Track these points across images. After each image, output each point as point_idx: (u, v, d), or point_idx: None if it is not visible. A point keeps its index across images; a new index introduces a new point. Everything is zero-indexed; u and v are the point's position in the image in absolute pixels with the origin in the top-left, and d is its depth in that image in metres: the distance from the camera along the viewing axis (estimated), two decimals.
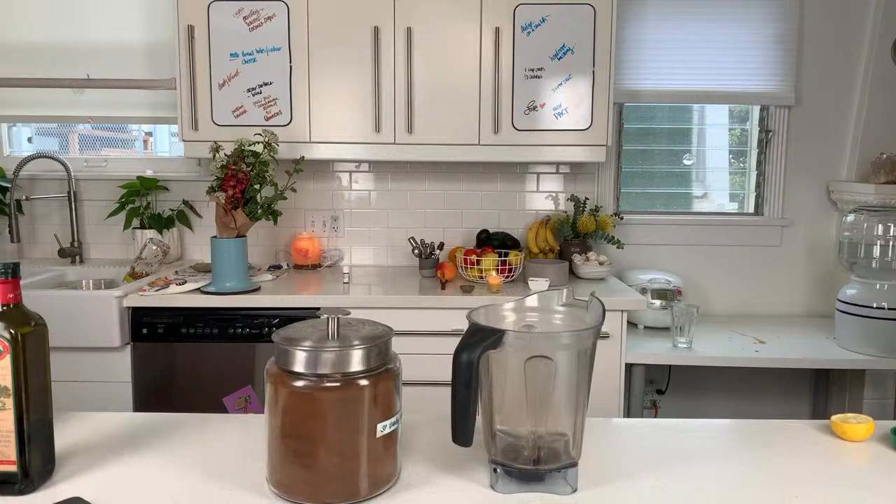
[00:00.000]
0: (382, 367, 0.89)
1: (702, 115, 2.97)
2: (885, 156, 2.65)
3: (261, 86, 2.44)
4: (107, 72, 2.74)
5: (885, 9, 2.70)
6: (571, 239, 2.72)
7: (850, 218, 2.51)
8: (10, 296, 0.88)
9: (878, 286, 2.36)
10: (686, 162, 2.97)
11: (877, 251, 2.42)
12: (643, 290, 2.55)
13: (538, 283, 2.32)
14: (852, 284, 2.44)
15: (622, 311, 2.23)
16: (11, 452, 0.89)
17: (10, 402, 0.87)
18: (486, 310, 1.00)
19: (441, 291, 2.32)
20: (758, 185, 2.94)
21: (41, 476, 0.92)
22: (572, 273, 2.64)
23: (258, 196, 2.29)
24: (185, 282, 2.30)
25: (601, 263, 2.58)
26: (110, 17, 2.76)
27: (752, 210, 2.97)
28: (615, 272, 2.74)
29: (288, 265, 2.78)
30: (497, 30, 2.40)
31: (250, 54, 2.42)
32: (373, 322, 0.96)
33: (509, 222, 2.87)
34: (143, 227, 2.74)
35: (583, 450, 0.95)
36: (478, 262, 2.44)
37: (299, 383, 0.85)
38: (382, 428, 0.88)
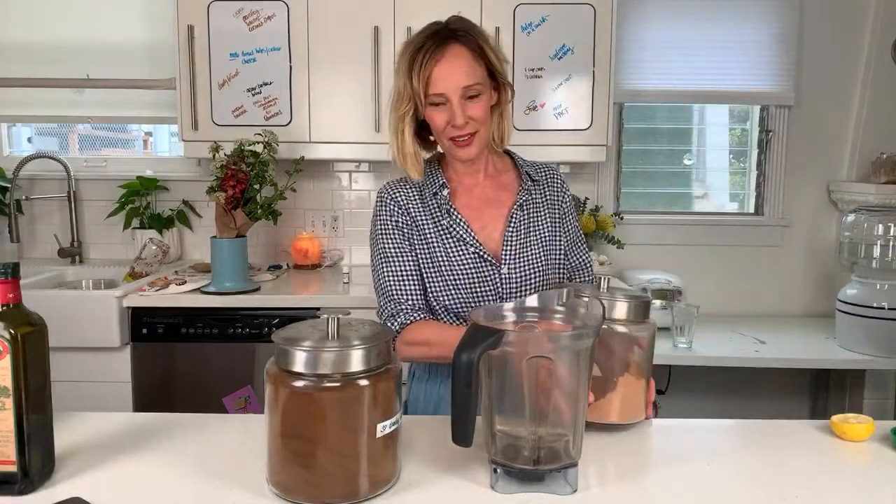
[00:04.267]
0: (382, 367, 0.89)
1: (702, 115, 2.97)
2: (885, 156, 2.65)
3: (261, 86, 2.43)
4: (107, 72, 2.74)
5: (885, 9, 2.69)
6: None
7: (851, 218, 2.51)
8: (10, 296, 0.88)
9: (878, 286, 2.36)
10: (686, 162, 2.97)
11: (877, 251, 2.42)
12: (643, 290, 2.55)
13: None
14: (853, 284, 2.44)
15: None
16: (11, 452, 0.88)
17: (9, 402, 0.87)
18: (486, 310, 1.00)
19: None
20: (758, 185, 2.93)
21: (41, 476, 0.92)
22: None
23: (258, 196, 2.29)
24: (185, 282, 2.30)
25: (601, 263, 2.58)
26: (110, 17, 2.75)
27: (752, 210, 2.97)
28: (615, 272, 2.74)
29: (288, 265, 2.78)
30: (497, 29, 2.40)
31: (250, 54, 2.42)
32: (373, 322, 0.96)
33: None
34: (142, 227, 2.74)
35: (583, 450, 0.95)
36: None
37: (299, 383, 0.85)
38: (382, 428, 0.88)
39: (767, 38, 2.78)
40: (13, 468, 0.89)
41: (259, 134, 2.27)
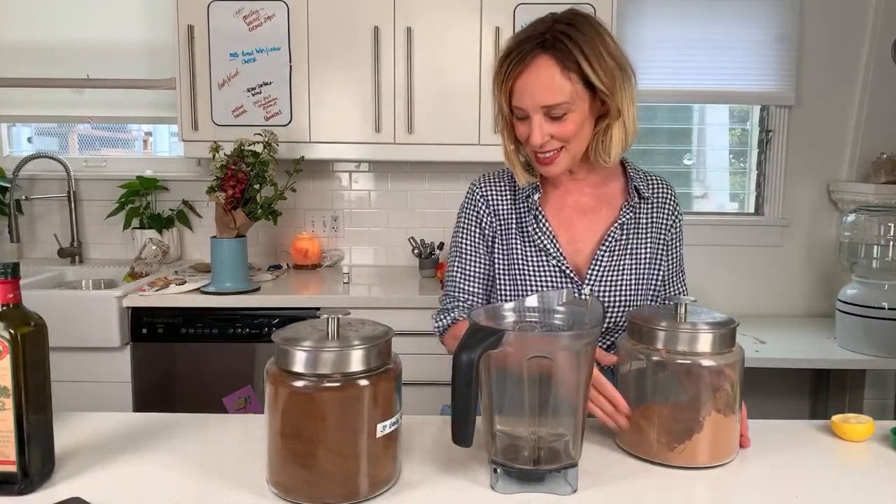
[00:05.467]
0: (382, 367, 0.89)
1: (702, 115, 2.97)
2: (885, 156, 2.65)
3: (261, 86, 2.43)
4: (107, 72, 2.74)
5: (885, 9, 2.69)
6: None
7: (851, 218, 2.51)
8: (10, 296, 0.88)
9: (878, 286, 2.36)
10: (686, 162, 2.97)
11: (877, 251, 2.42)
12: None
13: None
14: (853, 284, 2.44)
15: None
16: (11, 452, 0.88)
17: (9, 402, 0.87)
18: (486, 310, 1.00)
19: (441, 291, 2.31)
20: (758, 185, 2.93)
21: (41, 476, 0.92)
22: None
23: (258, 196, 2.29)
24: (185, 282, 2.30)
25: None
26: (110, 17, 2.75)
27: (752, 210, 2.97)
28: None
29: (288, 265, 2.78)
30: (497, 29, 2.40)
31: (250, 54, 2.42)
32: (373, 322, 0.96)
33: None
34: (142, 227, 2.74)
35: (583, 450, 0.95)
36: None
37: (299, 383, 0.85)
38: (382, 428, 0.88)
39: (767, 38, 2.78)
40: (13, 468, 0.89)
41: (259, 134, 2.27)
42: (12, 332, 0.86)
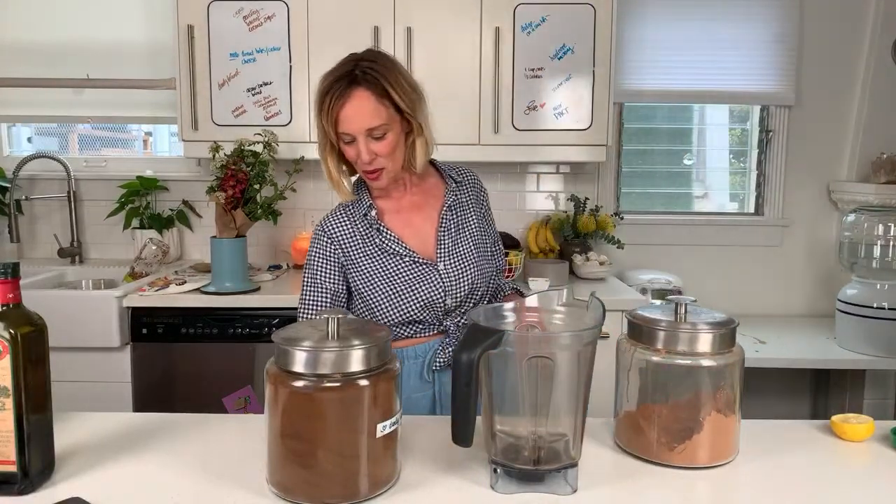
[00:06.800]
0: (382, 367, 0.89)
1: (702, 115, 2.97)
2: (885, 156, 2.65)
3: (260, 86, 2.43)
4: (107, 72, 2.74)
5: (885, 9, 2.69)
6: (571, 239, 2.72)
7: (851, 218, 2.51)
8: (10, 296, 0.88)
9: (878, 286, 2.36)
10: (686, 162, 2.97)
11: (877, 251, 2.42)
12: (643, 290, 2.55)
13: (538, 283, 2.32)
14: (853, 284, 2.44)
15: (622, 311, 2.23)
16: (11, 452, 0.89)
17: (9, 403, 0.87)
18: (486, 310, 1.00)
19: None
20: (758, 185, 2.93)
21: (41, 476, 0.92)
22: (572, 273, 2.64)
23: (258, 196, 2.29)
24: (185, 282, 2.30)
25: (601, 263, 2.58)
26: (110, 17, 2.75)
27: (752, 210, 2.97)
28: (615, 272, 2.74)
29: (288, 265, 2.78)
30: (497, 29, 2.40)
31: (250, 54, 2.42)
32: (373, 322, 0.96)
33: (509, 222, 2.87)
34: (142, 227, 2.74)
35: (583, 450, 0.95)
36: None
37: (299, 383, 0.85)
38: (382, 428, 0.88)
39: (767, 38, 2.78)
40: (13, 468, 0.89)
41: (259, 134, 2.27)
42: (12, 332, 0.86)
